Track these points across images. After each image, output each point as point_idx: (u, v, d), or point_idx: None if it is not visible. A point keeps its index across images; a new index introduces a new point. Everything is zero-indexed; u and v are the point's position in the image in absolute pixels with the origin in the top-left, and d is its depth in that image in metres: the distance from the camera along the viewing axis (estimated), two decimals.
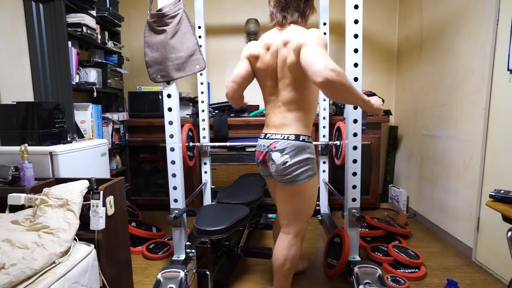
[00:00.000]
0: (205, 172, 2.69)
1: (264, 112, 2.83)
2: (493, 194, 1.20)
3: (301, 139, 1.34)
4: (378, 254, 2.02)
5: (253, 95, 3.20)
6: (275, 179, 1.49)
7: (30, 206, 1.36)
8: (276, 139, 1.36)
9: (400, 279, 1.76)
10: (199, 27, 2.47)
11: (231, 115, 2.80)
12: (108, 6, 2.42)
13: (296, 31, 1.30)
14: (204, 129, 2.61)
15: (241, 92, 1.53)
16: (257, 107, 3.03)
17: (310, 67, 1.11)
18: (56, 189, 1.34)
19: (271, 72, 1.40)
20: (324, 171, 2.68)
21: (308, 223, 1.55)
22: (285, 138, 1.34)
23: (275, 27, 1.45)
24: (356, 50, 1.64)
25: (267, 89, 1.44)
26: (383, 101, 2.76)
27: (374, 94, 2.82)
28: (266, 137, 1.42)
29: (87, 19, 2.15)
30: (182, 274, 1.59)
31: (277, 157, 1.33)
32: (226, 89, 1.53)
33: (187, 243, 1.81)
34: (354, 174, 1.74)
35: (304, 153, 1.33)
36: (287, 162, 1.31)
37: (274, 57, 1.38)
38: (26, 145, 1.43)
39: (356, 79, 1.66)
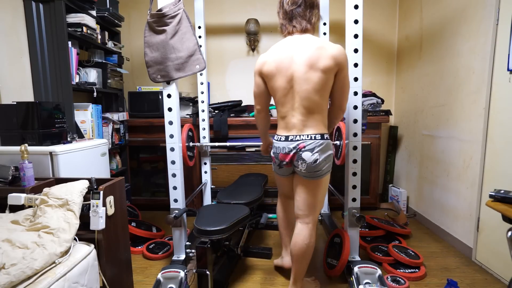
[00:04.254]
0: (205, 172, 2.69)
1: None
2: (493, 194, 1.20)
3: (325, 137, 1.47)
4: (378, 254, 2.02)
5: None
6: (292, 177, 1.61)
7: (30, 206, 1.36)
8: (303, 140, 1.45)
9: (400, 279, 1.76)
10: (199, 27, 2.47)
11: (231, 115, 2.80)
12: (108, 6, 2.42)
13: (322, 43, 1.41)
14: (204, 129, 2.61)
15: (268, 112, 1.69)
16: None
17: (343, 100, 1.51)
18: (56, 189, 1.34)
19: (290, 79, 1.45)
20: None
21: None
22: (312, 138, 1.44)
23: (285, 37, 1.54)
24: (356, 50, 1.64)
25: (281, 91, 1.48)
26: (382, 101, 2.78)
27: (374, 94, 2.82)
28: (289, 139, 1.48)
29: (87, 19, 2.15)
30: (182, 274, 1.59)
31: (307, 156, 1.44)
32: (256, 118, 1.67)
33: (187, 243, 1.81)
34: (354, 174, 1.74)
35: (329, 149, 1.48)
36: (317, 159, 1.44)
37: (292, 65, 1.44)
38: (26, 145, 1.43)
39: (356, 79, 1.67)
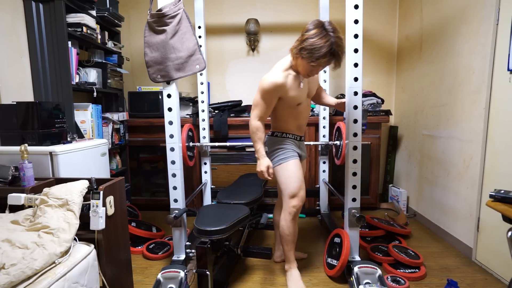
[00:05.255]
0: (205, 172, 2.69)
1: None
2: (493, 194, 1.20)
3: (274, 135, 1.82)
4: (378, 254, 2.02)
5: (253, 94, 3.21)
6: None
7: (30, 206, 1.36)
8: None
9: (400, 279, 1.76)
10: (199, 27, 2.47)
11: (231, 115, 2.80)
12: (108, 6, 2.42)
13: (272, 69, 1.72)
14: (204, 129, 2.61)
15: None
16: None
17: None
18: (56, 189, 1.34)
19: None
20: (324, 171, 2.68)
21: (302, 202, 1.77)
22: (267, 135, 1.83)
23: None
24: (356, 50, 1.64)
25: None
26: (382, 101, 2.78)
27: (374, 94, 2.82)
28: None
29: (87, 19, 2.15)
30: (182, 274, 1.59)
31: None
32: None
33: (187, 243, 1.81)
34: (354, 174, 1.74)
35: (275, 144, 1.80)
36: (266, 151, 1.79)
37: None
38: (26, 145, 1.43)
39: (356, 79, 1.66)
